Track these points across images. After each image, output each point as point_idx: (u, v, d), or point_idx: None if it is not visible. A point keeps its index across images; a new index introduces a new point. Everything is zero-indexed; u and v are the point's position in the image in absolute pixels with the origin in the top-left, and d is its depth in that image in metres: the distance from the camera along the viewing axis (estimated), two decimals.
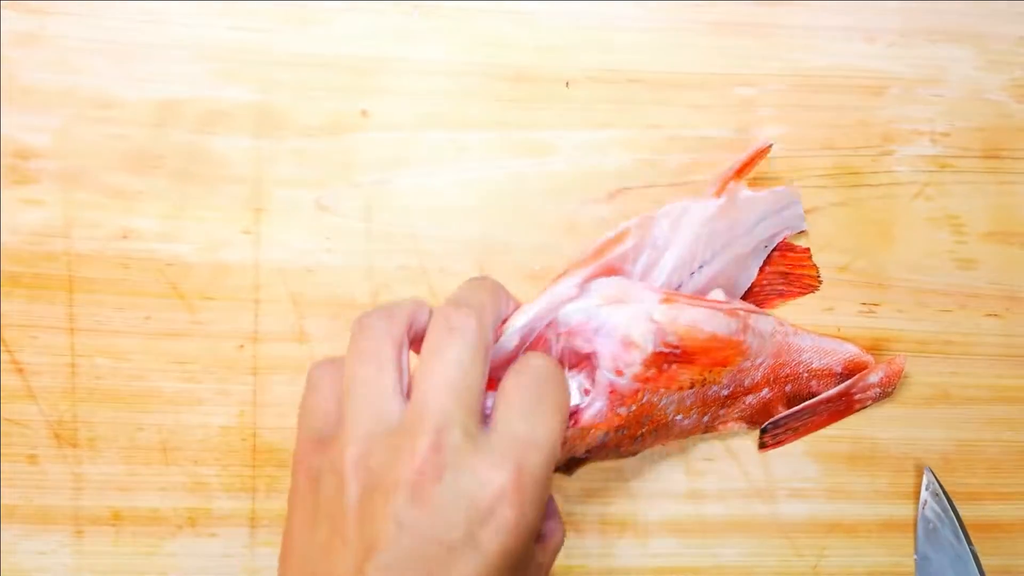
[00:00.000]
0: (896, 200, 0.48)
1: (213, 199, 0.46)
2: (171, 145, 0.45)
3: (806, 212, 0.48)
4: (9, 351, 0.46)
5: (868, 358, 0.47)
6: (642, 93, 0.47)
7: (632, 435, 0.41)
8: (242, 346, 0.46)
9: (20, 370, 0.46)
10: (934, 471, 0.47)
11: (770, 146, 0.45)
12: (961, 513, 0.49)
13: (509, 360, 0.38)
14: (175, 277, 0.46)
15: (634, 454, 0.44)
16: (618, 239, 0.42)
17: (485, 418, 0.36)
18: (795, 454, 0.48)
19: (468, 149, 0.47)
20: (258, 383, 0.46)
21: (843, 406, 0.48)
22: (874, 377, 0.47)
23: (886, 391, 0.47)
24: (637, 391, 0.40)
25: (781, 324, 0.45)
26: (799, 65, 0.47)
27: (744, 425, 0.46)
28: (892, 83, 0.48)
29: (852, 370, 0.47)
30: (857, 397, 0.47)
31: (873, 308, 0.48)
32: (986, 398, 0.49)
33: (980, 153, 0.48)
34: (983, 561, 0.49)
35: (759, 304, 0.47)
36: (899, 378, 0.47)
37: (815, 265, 0.47)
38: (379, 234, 0.46)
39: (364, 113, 0.46)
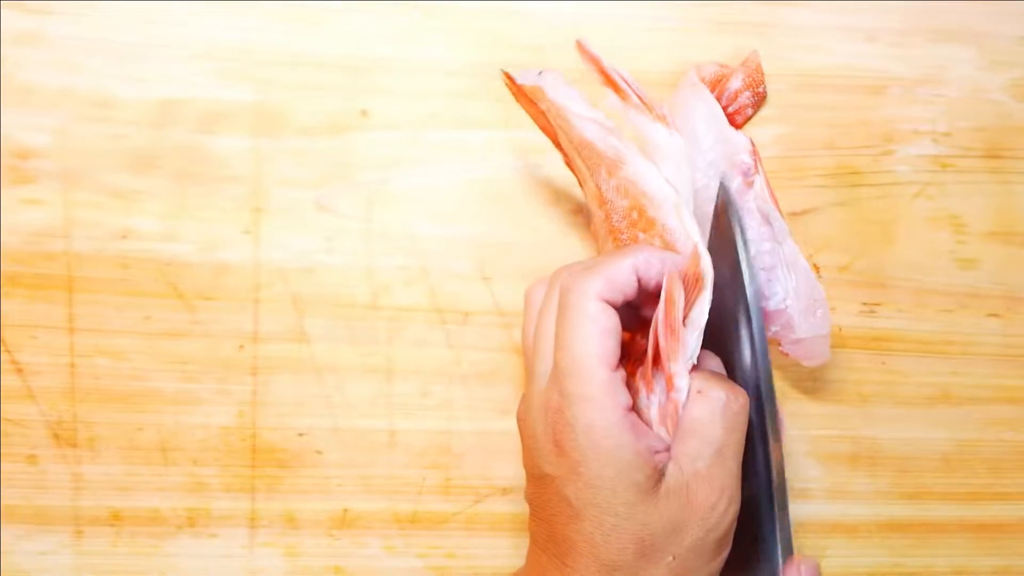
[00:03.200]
0: (897, 200, 0.48)
1: (213, 199, 0.46)
2: (171, 145, 0.45)
3: (807, 212, 0.48)
4: (9, 351, 0.46)
5: (719, 67, 0.46)
6: None
7: None
8: (242, 346, 0.46)
9: (20, 370, 0.46)
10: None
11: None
12: (962, 513, 0.49)
13: None
14: (175, 277, 0.46)
15: None
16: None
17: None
18: (797, 455, 0.48)
19: (468, 149, 0.47)
20: (258, 383, 0.46)
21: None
22: (736, 82, 0.46)
23: (756, 91, 0.46)
24: None
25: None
26: (800, 65, 0.47)
27: None
28: (893, 83, 0.48)
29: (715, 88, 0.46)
30: (731, 110, 0.46)
31: (874, 308, 0.48)
32: (987, 398, 0.49)
33: (981, 153, 0.48)
34: (983, 561, 0.49)
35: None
36: (761, 73, 0.46)
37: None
38: (379, 234, 0.46)
39: (364, 113, 0.46)
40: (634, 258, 0.38)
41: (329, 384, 0.47)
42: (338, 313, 0.46)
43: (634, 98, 0.41)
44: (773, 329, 0.44)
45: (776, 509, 0.40)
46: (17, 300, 0.45)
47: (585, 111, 0.41)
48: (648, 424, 0.39)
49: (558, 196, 0.47)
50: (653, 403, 0.39)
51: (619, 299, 0.37)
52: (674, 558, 0.36)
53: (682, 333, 0.38)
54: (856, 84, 0.47)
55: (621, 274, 0.37)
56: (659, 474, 0.36)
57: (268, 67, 0.46)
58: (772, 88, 0.47)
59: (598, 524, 0.36)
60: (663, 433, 0.39)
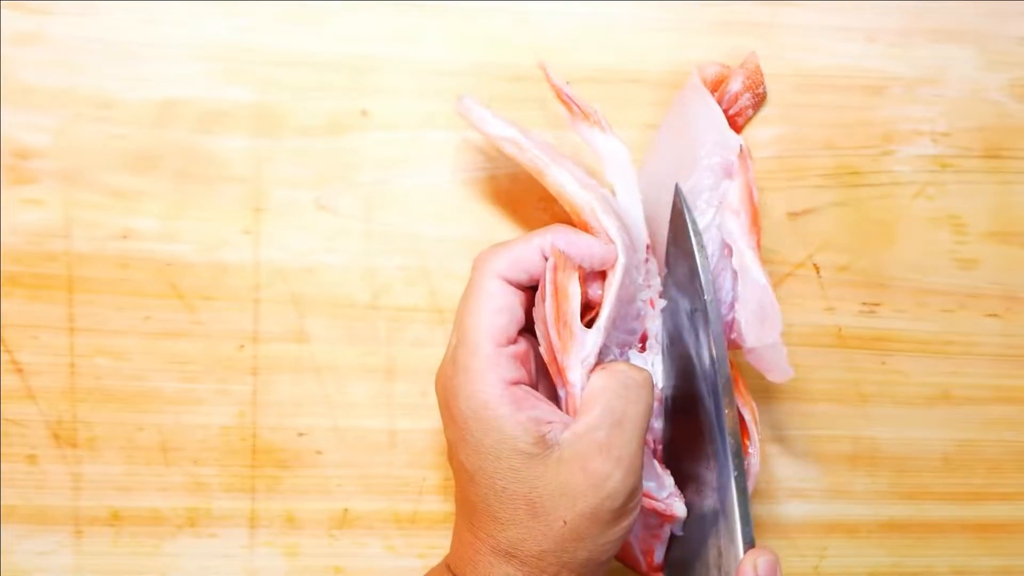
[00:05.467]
0: (897, 200, 0.48)
1: (213, 199, 0.46)
2: (171, 145, 0.45)
3: (807, 212, 0.48)
4: (9, 351, 0.46)
5: (720, 67, 0.46)
6: (642, 93, 0.47)
7: None
8: (242, 346, 0.46)
9: (20, 370, 0.46)
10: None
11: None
12: (961, 514, 0.49)
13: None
14: (175, 277, 0.46)
15: None
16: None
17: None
18: (796, 454, 0.48)
19: (468, 149, 0.47)
20: (258, 383, 0.46)
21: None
22: (736, 84, 0.46)
23: (756, 92, 0.46)
24: None
25: None
26: (799, 65, 0.47)
27: None
28: (892, 83, 0.48)
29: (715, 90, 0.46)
30: (732, 112, 0.46)
31: (874, 308, 0.48)
32: (986, 398, 0.49)
33: (980, 153, 0.48)
34: (983, 562, 0.49)
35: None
36: (760, 74, 0.46)
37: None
38: (379, 234, 0.46)
39: (364, 113, 0.46)
40: (541, 239, 0.39)
41: (329, 384, 0.47)
42: (338, 313, 0.47)
43: (575, 107, 0.43)
44: (732, 336, 0.44)
45: (736, 495, 0.40)
46: (17, 300, 0.45)
47: (499, 130, 0.42)
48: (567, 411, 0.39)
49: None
50: (561, 395, 0.40)
51: (523, 278, 0.39)
52: (566, 523, 0.37)
53: (577, 329, 0.39)
54: (856, 84, 0.47)
55: (526, 253, 0.39)
56: (548, 442, 0.37)
57: (268, 67, 0.46)
58: (772, 88, 0.47)
59: (489, 487, 0.38)
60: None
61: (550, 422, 0.38)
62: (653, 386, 0.40)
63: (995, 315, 0.49)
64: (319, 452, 0.47)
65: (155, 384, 0.46)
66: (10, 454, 0.46)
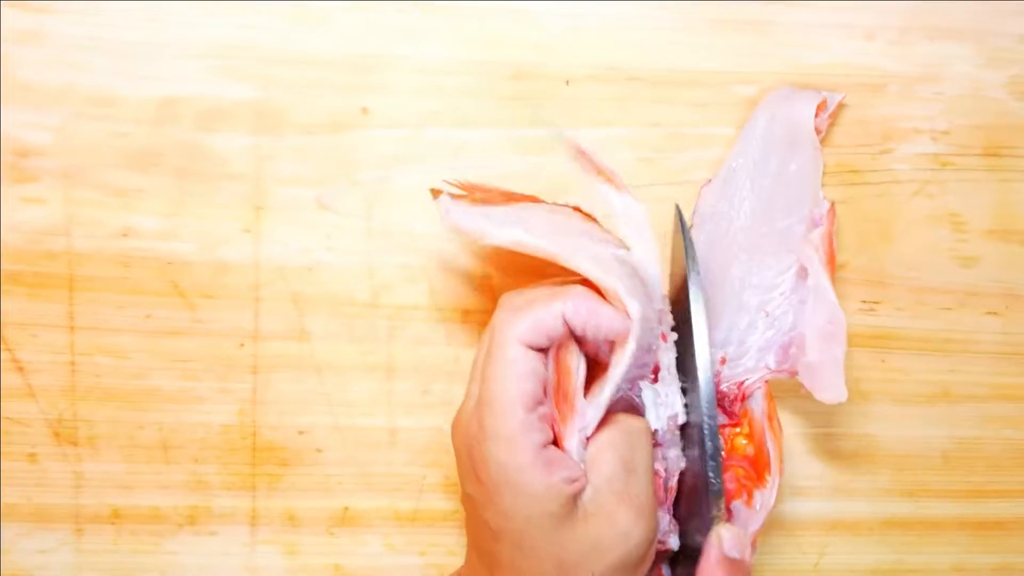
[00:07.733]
0: (896, 198, 0.48)
1: (213, 197, 0.46)
2: (171, 143, 0.45)
3: None
4: (9, 349, 0.46)
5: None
6: (642, 91, 0.47)
7: None
8: (242, 344, 0.46)
9: (20, 368, 0.46)
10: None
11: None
12: (961, 511, 0.49)
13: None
14: (175, 275, 0.46)
15: None
16: None
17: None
18: (797, 453, 0.48)
19: (468, 147, 0.47)
20: (258, 381, 0.46)
21: None
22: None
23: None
24: None
25: None
26: (799, 63, 0.47)
27: None
28: (892, 81, 0.48)
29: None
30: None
31: (873, 306, 0.48)
32: (986, 396, 0.49)
33: (980, 151, 0.48)
34: (983, 559, 0.49)
35: None
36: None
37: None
38: (379, 232, 0.47)
39: (364, 111, 0.46)
40: (563, 304, 0.39)
41: (329, 382, 0.47)
42: (338, 311, 0.47)
43: (592, 167, 0.44)
44: (791, 353, 0.45)
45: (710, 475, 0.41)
46: (18, 298, 0.45)
47: (503, 237, 0.41)
48: None
49: (558, 195, 0.47)
50: None
51: (544, 342, 0.39)
52: (594, 575, 0.37)
53: (578, 403, 0.39)
54: (855, 82, 0.48)
55: (547, 319, 0.39)
56: (574, 501, 0.38)
57: (269, 65, 0.46)
58: (772, 86, 0.47)
59: (516, 546, 0.38)
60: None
61: (576, 479, 0.38)
62: (650, 431, 0.41)
63: (995, 313, 0.49)
64: (319, 450, 0.47)
65: (155, 382, 0.46)
66: (10, 452, 0.46)
